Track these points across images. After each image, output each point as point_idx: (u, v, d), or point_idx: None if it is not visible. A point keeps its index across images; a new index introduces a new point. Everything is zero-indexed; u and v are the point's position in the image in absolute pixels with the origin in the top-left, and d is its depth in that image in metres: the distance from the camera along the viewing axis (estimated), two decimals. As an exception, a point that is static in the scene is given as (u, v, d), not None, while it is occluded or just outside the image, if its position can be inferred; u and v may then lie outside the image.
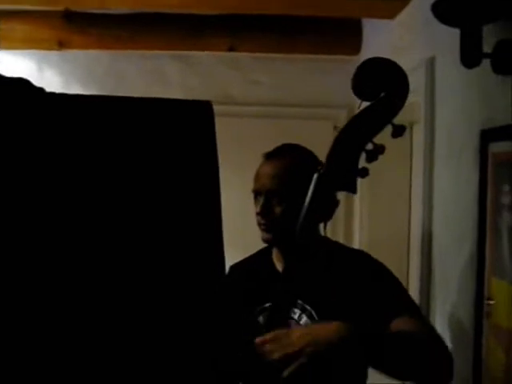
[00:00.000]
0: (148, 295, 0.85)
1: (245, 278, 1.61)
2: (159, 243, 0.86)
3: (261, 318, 1.51)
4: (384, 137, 1.27)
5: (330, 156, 1.27)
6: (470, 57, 1.50)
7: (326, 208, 1.42)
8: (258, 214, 1.52)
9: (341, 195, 1.48)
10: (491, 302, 1.55)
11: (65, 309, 0.82)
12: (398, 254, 2.79)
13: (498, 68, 1.49)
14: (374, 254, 1.55)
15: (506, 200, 1.49)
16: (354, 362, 1.25)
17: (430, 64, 2.07)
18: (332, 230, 2.84)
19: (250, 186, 1.57)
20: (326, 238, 1.54)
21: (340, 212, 1.53)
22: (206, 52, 3.21)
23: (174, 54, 3.25)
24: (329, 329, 1.21)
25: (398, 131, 1.24)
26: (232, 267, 1.64)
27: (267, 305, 1.48)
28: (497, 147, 1.55)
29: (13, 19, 2.97)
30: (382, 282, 1.46)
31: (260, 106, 3.31)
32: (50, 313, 0.81)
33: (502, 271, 1.49)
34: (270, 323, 1.38)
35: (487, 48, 1.48)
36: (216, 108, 0.92)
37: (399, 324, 1.33)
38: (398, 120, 1.27)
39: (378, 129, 1.26)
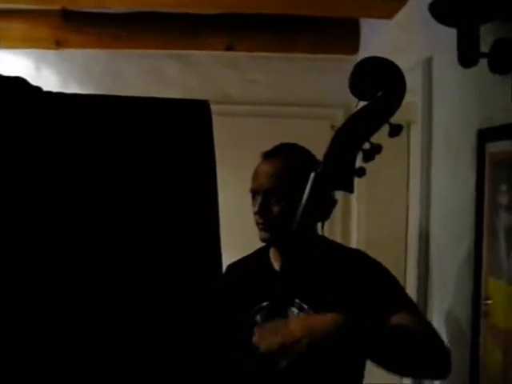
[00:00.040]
0: (145, 294, 0.85)
1: (242, 278, 1.61)
2: (156, 242, 0.86)
3: (258, 317, 1.51)
4: (381, 136, 1.27)
5: (327, 155, 1.27)
6: (467, 56, 1.50)
7: (323, 207, 1.43)
8: (256, 213, 1.52)
9: (338, 194, 1.48)
10: (489, 302, 1.55)
11: (64, 308, 0.82)
12: (396, 254, 2.79)
13: (496, 67, 1.49)
14: (372, 254, 1.55)
15: (503, 200, 1.49)
16: (350, 352, 1.26)
17: (428, 64, 2.08)
18: (329, 229, 2.85)
19: (248, 185, 1.57)
20: (323, 238, 1.54)
21: (337, 211, 1.53)
22: (203, 51, 3.21)
23: (171, 53, 3.25)
24: (325, 319, 1.22)
25: (395, 130, 1.25)
26: (229, 266, 1.64)
27: (264, 304, 1.48)
28: (494, 147, 1.55)
29: (10, 18, 2.96)
30: (380, 280, 1.46)
31: (258, 105, 3.31)
32: (49, 312, 0.81)
33: (499, 271, 1.50)
34: (267, 322, 1.38)
35: (484, 48, 1.48)
36: (214, 107, 0.92)
37: (397, 319, 1.34)
38: (395, 119, 1.27)
39: (375, 128, 1.26)
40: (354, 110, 1.29)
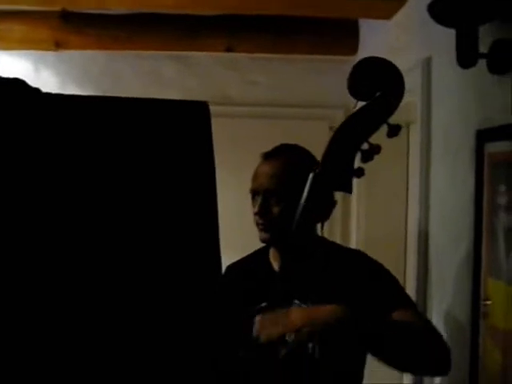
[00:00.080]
0: (145, 294, 0.85)
1: (241, 278, 1.61)
2: (156, 243, 0.86)
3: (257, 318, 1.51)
4: (381, 137, 1.27)
5: (325, 156, 1.27)
6: (465, 57, 1.50)
7: (323, 208, 1.43)
8: (256, 213, 1.52)
9: (337, 195, 1.48)
10: (488, 303, 1.55)
11: (64, 308, 0.82)
12: (395, 254, 2.79)
13: (494, 68, 1.49)
14: (371, 254, 1.55)
15: (502, 200, 1.49)
16: (350, 343, 1.28)
17: (427, 64, 2.08)
18: (329, 229, 2.85)
19: (247, 186, 1.57)
20: (323, 238, 1.54)
21: (337, 212, 1.54)
22: (203, 52, 3.21)
23: (171, 54, 3.25)
24: (325, 310, 1.24)
25: (394, 131, 1.25)
26: (229, 267, 1.64)
27: (264, 304, 1.48)
28: (493, 147, 1.55)
29: (10, 20, 2.96)
30: (380, 280, 1.46)
31: (257, 106, 3.31)
32: (49, 312, 0.81)
33: (498, 271, 1.50)
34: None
35: (483, 48, 1.49)
36: (213, 108, 0.92)
37: (397, 315, 1.36)
38: (394, 120, 1.27)
39: (374, 129, 1.26)
40: (353, 110, 1.29)
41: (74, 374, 0.82)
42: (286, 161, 1.52)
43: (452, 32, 1.53)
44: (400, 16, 2.44)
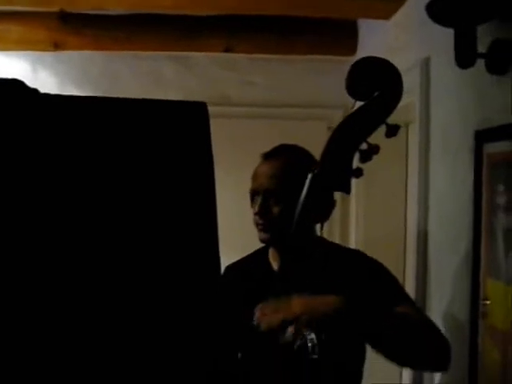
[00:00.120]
0: (144, 294, 0.85)
1: (240, 279, 1.61)
2: (155, 244, 0.86)
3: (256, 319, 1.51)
4: (379, 137, 1.27)
5: (323, 156, 1.27)
6: (464, 57, 1.50)
7: (322, 208, 1.43)
8: (256, 213, 1.52)
9: (336, 196, 1.48)
10: (487, 303, 1.55)
11: (63, 308, 0.82)
12: (394, 254, 2.79)
13: (493, 68, 1.49)
14: (371, 254, 1.55)
15: (500, 200, 1.49)
16: (349, 333, 1.30)
17: (425, 64, 2.08)
18: (328, 230, 2.85)
19: (246, 186, 1.57)
20: (322, 239, 1.54)
21: (336, 212, 1.53)
22: (202, 53, 3.21)
23: (170, 54, 3.25)
24: (326, 300, 1.27)
25: (392, 131, 1.25)
26: (228, 268, 1.64)
27: (263, 305, 1.48)
28: (492, 147, 1.55)
29: (7, 20, 2.96)
30: (379, 279, 1.47)
31: (256, 106, 3.30)
32: (49, 312, 0.81)
33: (497, 272, 1.50)
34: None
35: (482, 48, 1.49)
36: (212, 109, 0.92)
37: (397, 310, 1.37)
38: (393, 120, 1.27)
39: (372, 128, 1.26)
40: (351, 110, 1.29)
41: (73, 373, 0.82)
42: (285, 161, 1.52)
43: (450, 32, 1.53)
44: (399, 16, 2.44)
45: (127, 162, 0.86)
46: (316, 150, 1.35)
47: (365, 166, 1.28)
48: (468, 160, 1.69)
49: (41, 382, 0.81)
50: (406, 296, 1.48)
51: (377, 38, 2.80)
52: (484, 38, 1.48)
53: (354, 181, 1.29)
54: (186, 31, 3.05)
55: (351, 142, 1.26)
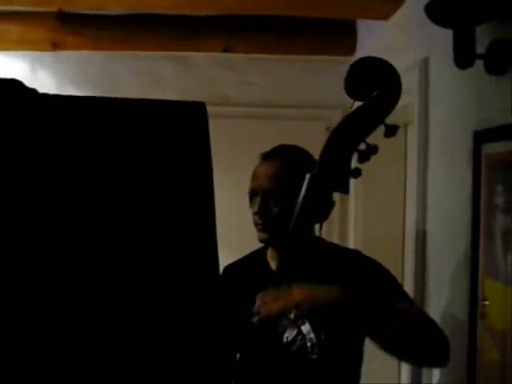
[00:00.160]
0: (142, 294, 0.85)
1: (239, 279, 1.61)
2: (153, 244, 0.86)
3: (256, 318, 1.51)
4: (378, 137, 1.27)
5: (322, 156, 1.27)
6: (463, 57, 1.50)
7: (321, 209, 1.43)
8: (255, 213, 1.51)
9: (335, 196, 1.48)
10: (486, 303, 1.55)
11: (62, 307, 0.82)
12: (393, 255, 2.79)
13: (492, 68, 1.49)
14: (369, 254, 1.55)
15: (499, 201, 1.49)
16: (348, 324, 1.31)
17: (424, 65, 2.08)
18: (327, 230, 2.85)
19: (245, 186, 1.56)
20: (320, 239, 1.54)
21: (335, 212, 1.53)
22: (200, 53, 3.21)
23: (168, 54, 3.25)
24: (327, 290, 1.28)
25: (391, 131, 1.25)
26: (226, 268, 1.64)
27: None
28: (490, 148, 1.56)
29: (6, 20, 2.95)
30: (378, 279, 1.47)
31: (255, 106, 3.30)
32: (48, 312, 0.81)
33: (496, 272, 1.50)
34: (263, 323, 1.38)
35: (480, 49, 1.49)
36: (211, 109, 0.92)
37: (397, 305, 1.38)
38: (392, 121, 1.27)
39: (371, 129, 1.26)
40: (350, 110, 1.29)
41: (72, 373, 0.82)
42: (285, 161, 1.52)
43: (449, 32, 1.53)
44: (397, 16, 2.44)
45: (126, 162, 0.86)
46: (314, 150, 1.35)
47: (363, 167, 1.28)
48: (466, 160, 1.69)
49: (41, 382, 0.81)
50: (405, 294, 1.48)
51: (375, 39, 2.80)
52: (483, 39, 1.48)
53: (352, 181, 1.29)
54: (185, 31, 3.05)
55: (350, 143, 1.26)
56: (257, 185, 1.52)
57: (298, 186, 1.31)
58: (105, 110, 0.88)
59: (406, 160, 2.86)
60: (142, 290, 0.85)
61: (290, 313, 1.27)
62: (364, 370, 1.55)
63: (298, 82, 3.32)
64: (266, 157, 1.55)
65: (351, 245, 3.00)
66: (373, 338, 1.32)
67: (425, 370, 2.04)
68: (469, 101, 1.71)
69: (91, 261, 0.83)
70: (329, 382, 1.44)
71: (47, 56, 3.19)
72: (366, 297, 1.30)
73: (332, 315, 1.28)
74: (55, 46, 3.02)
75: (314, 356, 1.43)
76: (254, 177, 1.54)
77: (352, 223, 3.10)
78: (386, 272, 1.49)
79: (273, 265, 1.56)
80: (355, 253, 1.62)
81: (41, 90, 0.86)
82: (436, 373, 1.93)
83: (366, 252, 1.57)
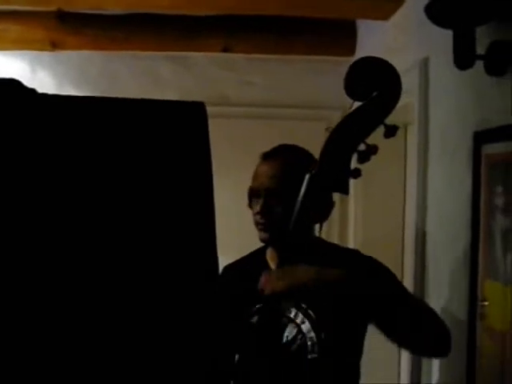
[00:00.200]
0: (141, 294, 0.85)
1: (238, 279, 1.61)
2: (153, 244, 0.86)
3: (255, 318, 1.51)
4: (378, 137, 1.27)
5: (322, 157, 1.27)
6: (463, 58, 1.50)
7: (321, 209, 1.43)
8: (257, 213, 1.51)
9: (335, 196, 1.48)
10: (485, 304, 1.55)
11: (61, 307, 0.82)
12: (393, 255, 2.79)
13: (491, 69, 1.49)
14: (369, 254, 1.55)
15: (499, 201, 1.49)
16: (351, 307, 1.33)
17: (424, 65, 2.08)
18: (327, 230, 2.85)
19: (244, 187, 1.56)
20: (320, 239, 1.54)
21: (335, 213, 1.53)
22: (200, 53, 3.21)
23: (168, 54, 3.24)
24: (333, 273, 1.30)
25: (391, 131, 1.24)
26: (226, 268, 1.64)
27: (259, 305, 1.48)
28: (490, 149, 1.55)
29: (5, 20, 2.95)
30: (378, 277, 1.47)
31: (254, 107, 3.30)
32: (48, 312, 0.81)
33: (495, 272, 1.50)
34: (263, 322, 1.39)
35: (480, 49, 1.49)
36: (210, 109, 0.92)
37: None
38: (391, 121, 1.27)
39: (370, 129, 1.26)
40: (349, 110, 1.29)
41: (72, 372, 0.82)
42: (286, 161, 1.52)
43: (449, 33, 1.53)
44: (397, 17, 2.44)
45: (125, 162, 0.86)
46: (315, 150, 1.35)
47: (363, 167, 1.27)
48: (466, 161, 1.69)
49: (40, 382, 0.81)
50: (406, 290, 1.49)
51: (375, 39, 2.80)
52: (483, 40, 1.48)
53: (352, 181, 1.28)
54: (185, 31, 3.05)
55: (349, 143, 1.26)
56: (258, 184, 1.52)
57: (300, 186, 1.32)
58: (104, 110, 0.88)
59: (405, 160, 2.86)
60: (141, 290, 0.85)
61: (295, 291, 1.28)
62: (364, 370, 1.55)
63: (297, 82, 3.32)
64: (267, 157, 1.55)
65: (351, 245, 2.99)
66: (375, 322, 1.33)
67: (424, 370, 2.04)
68: (469, 101, 1.71)
69: (90, 261, 0.83)
70: (329, 381, 1.44)
71: (46, 56, 3.18)
72: (369, 280, 1.32)
73: (336, 296, 1.29)
74: (54, 46, 3.02)
75: (315, 355, 1.43)
76: (255, 176, 1.54)
77: (352, 223, 3.10)
78: (386, 269, 1.50)
79: (272, 265, 1.56)
80: (354, 252, 1.62)
81: (40, 90, 0.86)
82: (435, 373, 1.93)
83: (365, 252, 1.57)
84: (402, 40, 2.37)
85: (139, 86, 3.24)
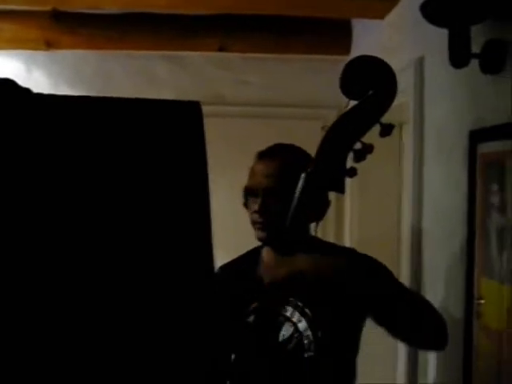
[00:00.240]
0: (137, 294, 0.85)
1: (234, 279, 1.60)
2: (148, 244, 0.86)
3: (251, 318, 1.51)
4: (373, 136, 1.27)
5: (317, 155, 1.27)
6: (458, 57, 1.50)
7: (316, 208, 1.43)
8: (255, 212, 1.51)
9: (331, 195, 1.48)
10: (481, 302, 1.55)
11: (60, 306, 0.82)
12: (389, 254, 2.79)
13: (487, 68, 1.50)
14: (364, 253, 1.55)
15: (494, 200, 1.49)
16: (349, 297, 1.34)
17: (419, 64, 2.08)
18: (323, 229, 2.85)
19: (240, 186, 1.56)
20: (316, 238, 1.54)
21: (330, 212, 1.53)
22: (196, 52, 3.20)
23: (163, 54, 3.24)
24: (331, 261, 1.32)
25: (386, 130, 1.24)
26: (222, 267, 1.64)
27: (255, 305, 1.48)
28: (486, 147, 1.56)
29: (0, 19, 2.94)
30: (375, 277, 1.47)
31: (250, 106, 3.30)
32: (47, 311, 0.81)
33: (491, 271, 1.50)
34: (259, 322, 1.39)
35: (475, 48, 1.49)
36: (206, 108, 0.92)
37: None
38: (387, 121, 1.27)
39: (366, 128, 1.26)
40: (345, 109, 1.29)
41: (71, 372, 0.82)
42: (283, 159, 1.52)
43: (444, 32, 1.53)
44: (393, 16, 2.45)
45: (121, 162, 0.85)
46: (311, 149, 1.35)
47: (359, 166, 1.27)
48: (462, 160, 1.70)
49: (40, 382, 0.81)
50: (403, 286, 1.49)
51: (371, 38, 2.80)
52: (478, 38, 1.49)
53: (348, 180, 1.29)
54: (180, 30, 3.04)
55: (345, 142, 1.26)
56: (256, 183, 1.52)
57: (296, 185, 1.32)
58: (99, 110, 0.87)
59: (401, 159, 2.86)
60: (138, 289, 0.85)
61: (295, 279, 1.29)
62: (360, 370, 1.55)
63: (293, 81, 3.32)
64: (263, 155, 1.54)
65: (347, 244, 3.00)
66: (374, 318, 1.34)
67: (420, 369, 2.05)
68: (464, 100, 1.71)
69: (86, 261, 0.83)
70: (326, 379, 1.44)
71: (41, 55, 3.18)
72: (367, 279, 1.33)
73: (334, 284, 1.29)
74: (49, 45, 3.01)
75: (311, 353, 1.43)
76: (252, 175, 1.54)
77: (348, 222, 3.11)
78: (382, 267, 1.50)
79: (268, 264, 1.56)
80: (350, 251, 1.62)
81: (35, 90, 0.86)
82: (432, 372, 1.94)
83: (361, 251, 1.57)
84: (398, 39, 2.37)
85: (135, 85, 3.23)
